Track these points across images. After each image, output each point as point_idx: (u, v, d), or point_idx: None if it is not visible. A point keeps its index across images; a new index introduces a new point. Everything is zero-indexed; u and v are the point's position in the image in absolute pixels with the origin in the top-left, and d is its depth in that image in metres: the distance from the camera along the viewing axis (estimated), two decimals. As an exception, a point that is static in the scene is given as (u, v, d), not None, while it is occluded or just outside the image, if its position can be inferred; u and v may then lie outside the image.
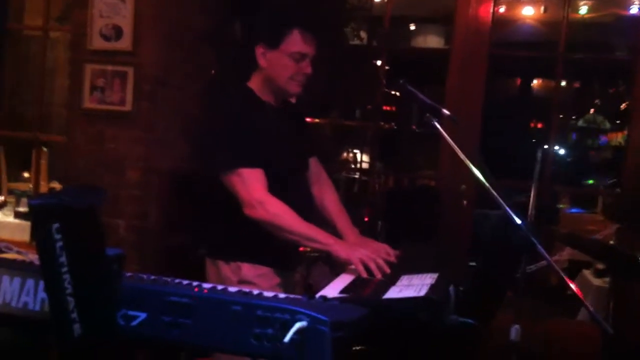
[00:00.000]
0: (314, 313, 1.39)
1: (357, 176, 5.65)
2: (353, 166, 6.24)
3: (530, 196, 2.39)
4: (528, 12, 6.99)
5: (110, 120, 3.62)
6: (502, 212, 2.00)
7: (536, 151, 2.56)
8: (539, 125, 10.01)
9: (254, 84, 2.59)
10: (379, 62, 5.13)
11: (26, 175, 5.37)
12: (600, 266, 4.61)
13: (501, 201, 2.00)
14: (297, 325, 1.37)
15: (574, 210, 7.29)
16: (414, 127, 7.04)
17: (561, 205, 7.09)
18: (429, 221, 3.70)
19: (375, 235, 3.96)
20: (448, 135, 2.23)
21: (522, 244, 1.98)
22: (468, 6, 4.05)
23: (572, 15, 5.85)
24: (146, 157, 3.64)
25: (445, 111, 2.16)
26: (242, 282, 2.47)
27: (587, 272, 4.87)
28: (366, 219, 4.01)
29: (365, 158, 5.95)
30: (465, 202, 3.86)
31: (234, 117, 2.50)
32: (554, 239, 3.95)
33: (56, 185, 4.78)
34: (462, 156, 2.06)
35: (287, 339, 1.35)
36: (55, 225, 1.38)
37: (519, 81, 10.76)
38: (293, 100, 2.69)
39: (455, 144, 2.21)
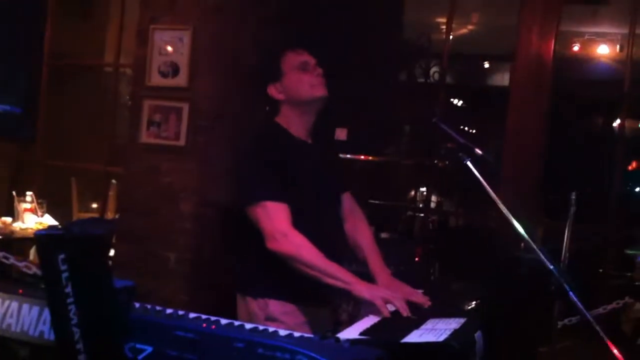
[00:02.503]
0: (314, 354, 1.37)
1: (424, 215, 5.58)
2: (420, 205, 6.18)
3: (565, 239, 2.30)
4: (603, 50, 6.83)
5: (166, 154, 3.70)
6: (534, 257, 1.93)
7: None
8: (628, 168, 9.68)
9: (282, 118, 2.60)
10: (455, 101, 5.05)
11: (95, 206, 5.55)
12: (670, 316, 4.37)
13: (533, 244, 1.93)
14: (292, 365, 1.35)
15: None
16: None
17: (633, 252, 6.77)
18: (481, 262, 3.60)
19: (427, 274, 3.89)
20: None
21: (554, 291, 1.90)
22: (529, 45, 3.99)
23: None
24: (200, 190, 3.70)
25: (478, 151, 2.10)
26: (268, 319, 2.44)
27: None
28: (417, 259, 3.94)
29: (434, 198, 5.90)
30: (523, 244, 3.75)
31: (260, 151, 2.52)
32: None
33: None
34: (493, 195, 2.00)
35: (280, 379, 1.33)
36: (61, 256, 1.41)
37: (600, 120, 10.45)
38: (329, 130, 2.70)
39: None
